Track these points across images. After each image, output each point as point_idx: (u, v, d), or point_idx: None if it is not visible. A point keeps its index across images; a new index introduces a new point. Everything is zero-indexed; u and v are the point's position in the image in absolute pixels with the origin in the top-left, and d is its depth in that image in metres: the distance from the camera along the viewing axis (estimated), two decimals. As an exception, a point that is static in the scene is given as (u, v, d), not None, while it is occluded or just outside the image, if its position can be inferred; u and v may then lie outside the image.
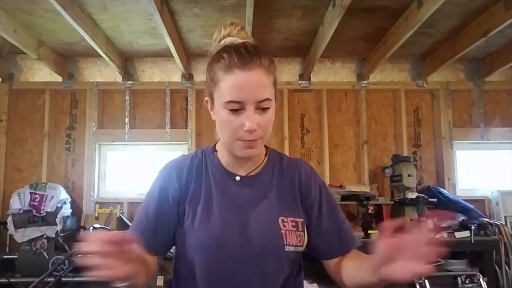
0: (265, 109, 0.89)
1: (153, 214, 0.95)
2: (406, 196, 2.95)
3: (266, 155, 1.04)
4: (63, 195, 3.06)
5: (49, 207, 2.92)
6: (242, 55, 0.87)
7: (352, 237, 1.02)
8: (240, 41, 0.95)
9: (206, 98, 0.97)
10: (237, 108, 0.87)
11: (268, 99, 0.88)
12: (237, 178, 0.98)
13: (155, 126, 3.43)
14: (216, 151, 1.02)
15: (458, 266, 2.65)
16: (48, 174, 3.28)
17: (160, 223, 0.95)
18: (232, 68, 0.87)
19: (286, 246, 0.92)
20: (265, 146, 1.04)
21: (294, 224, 0.95)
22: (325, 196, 1.01)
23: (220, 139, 0.99)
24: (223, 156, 1.00)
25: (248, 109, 0.87)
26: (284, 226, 0.93)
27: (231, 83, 0.86)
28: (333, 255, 0.99)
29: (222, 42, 0.98)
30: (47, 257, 2.76)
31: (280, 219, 0.94)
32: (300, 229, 0.95)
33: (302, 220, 0.97)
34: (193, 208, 0.94)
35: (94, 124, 3.35)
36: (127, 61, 3.43)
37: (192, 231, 0.92)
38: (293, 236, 0.93)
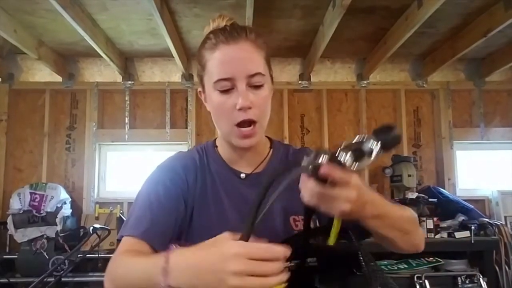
0: (258, 87, 0.83)
1: (162, 204, 0.84)
2: (406, 196, 2.95)
3: (270, 147, 0.97)
4: (63, 195, 3.06)
5: (49, 207, 2.92)
6: (226, 31, 0.84)
7: None
8: None
9: (199, 89, 0.93)
10: (227, 87, 0.82)
11: (259, 74, 0.83)
12: (242, 175, 0.91)
13: (155, 126, 3.43)
14: (216, 146, 0.95)
15: (458, 266, 2.65)
16: (48, 174, 3.28)
17: (168, 215, 0.84)
18: (218, 44, 0.83)
19: None
20: (269, 138, 0.99)
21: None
22: None
23: (219, 132, 0.94)
24: (224, 151, 0.93)
25: (239, 85, 0.81)
26: (297, 226, 0.87)
27: (217, 59, 0.83)
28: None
29: None
30: (47, 257, 2.77)
31: (291, 218, 0.88)
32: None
33: (313, 216, 0.89)
34: (202, 209, 0.87)
35: (94, 124, 3.35)
36: (127, 61, 3.43)
37: (204, 234, 0.81)
38: None
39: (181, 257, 0.65)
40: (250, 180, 0.91)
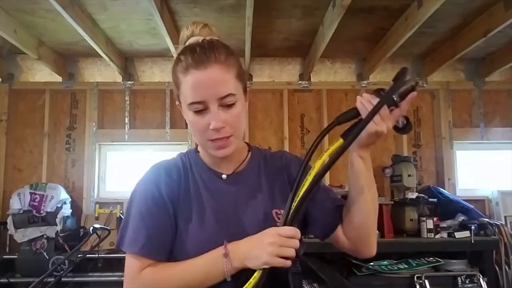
0: (230, 106, 0.88)
1: (154, 216, 0.90)
2: (406, 196, 2.94)
3: (249, 150, 1.04)
4: (63, 195, 3.06)
5: (49, 207, 2.92)
6: (196, 54, 0.87)
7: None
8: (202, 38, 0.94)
9: (177, 102, 0.97)
10: (200, 108, 0.87)
11: (230, 95, 0.87)
12: (224, 176, 0.97)
13: (155, 126, 3.43)
14: (198, 151, 1.02)
15: (458, 266, 2.65)
16: (48, 174, 3.28)
17: (162, 224, 0.90)
18: (188, 69, 0.86)
19: None
20: (247, 143, 1.06)
21: None
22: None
23: None
24: (205, 156, 1.00)
25: (212, 107, 0.86)
26: (279, 218, 0.91)
27: (189, 84, 0.87)
28: (335, 224, 0.99)
29: (186, 43, 0.97)
30: (47, 257, 2.77)
31: (274, 211, 0.93)
32: None
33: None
34: (186, 210, 0.92)
35: (94, 124, 3.35)
36: (127, 61, 3.43)
37: (188, 233, 0.89)
38: None
39: (236, 244, 0.83)
40: (231, 179, 0.97)
